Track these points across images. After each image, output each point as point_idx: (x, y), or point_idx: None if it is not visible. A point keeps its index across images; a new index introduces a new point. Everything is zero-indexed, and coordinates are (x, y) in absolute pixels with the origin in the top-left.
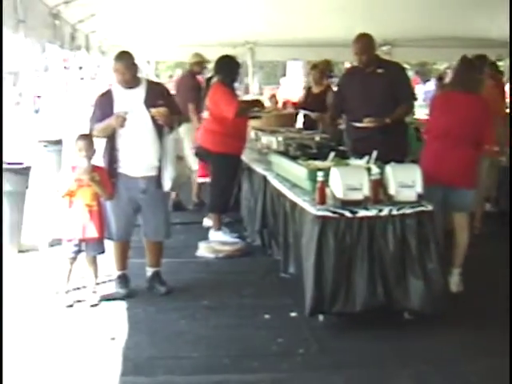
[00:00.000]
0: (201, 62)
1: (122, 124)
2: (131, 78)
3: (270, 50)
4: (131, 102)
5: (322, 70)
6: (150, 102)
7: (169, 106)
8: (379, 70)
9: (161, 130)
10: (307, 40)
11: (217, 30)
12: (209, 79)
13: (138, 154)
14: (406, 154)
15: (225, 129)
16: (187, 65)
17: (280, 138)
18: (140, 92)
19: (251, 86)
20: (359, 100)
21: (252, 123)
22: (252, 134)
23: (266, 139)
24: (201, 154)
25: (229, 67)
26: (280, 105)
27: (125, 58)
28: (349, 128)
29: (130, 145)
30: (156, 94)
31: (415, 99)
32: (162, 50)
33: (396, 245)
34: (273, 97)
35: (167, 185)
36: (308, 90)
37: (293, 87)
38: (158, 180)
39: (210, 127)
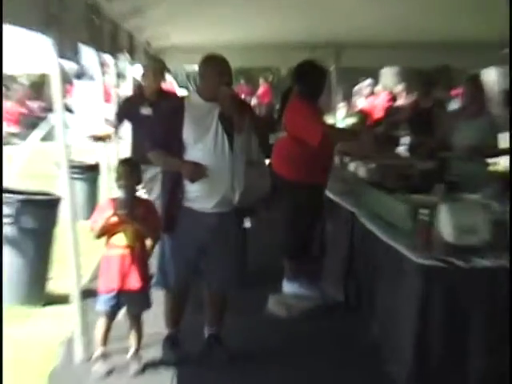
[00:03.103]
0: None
1: (195, 179)
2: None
3: (357, 53)
4: (206, 118)
5: (429, 79)
6: (227, 118)
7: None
8: None
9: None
10: (408, 41)
11: (289, 26)
12: (286, 92)
13: (211, 183)
14: None
15: (305, 152)
16: (253, 71)
17: (373, 165)
18: (216, 107)
19: (334, 101)
20: None
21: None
22: (336, 159)
23: (354, 166)
24: (273, 181)
25: (312, 77)
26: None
27: (224, 61)
28: None
29: None
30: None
31: None
32: (223, 53)
33: None
34: (362, 113)
35: (235, 197)
36: (414, 104)
37: (385, 100)
38: (231, 217)
39: (286, 150)
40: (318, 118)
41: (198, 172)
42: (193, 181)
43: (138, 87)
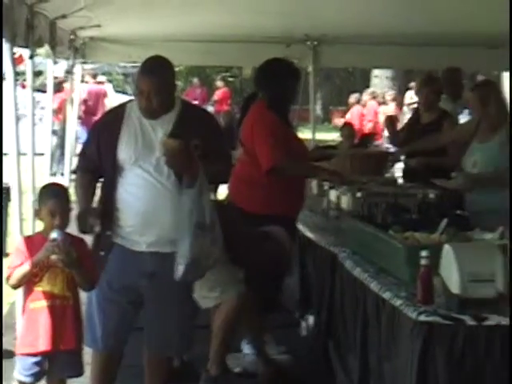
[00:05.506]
0: None
1: (80, 228)
2: (159, 107)
3: (343, 50)
4: (149, 135)
5: (438, 87)
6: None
7: (208, 147)
8: None
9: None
10: (407, 37)
11: (255, 13)
12: (249, 99)
13: (149, 217)
14: None
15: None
16: (210, 71)
17: (359, 194)
18: (167, 121)
19: (312, 109)
20: None
21: None
22: (314, 185)
23: (335, 194)
24: (231, 215)
25: (280, 80)
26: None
27: (157, 71)
28: None
29: (138, 202)
30: (192, 125)
31: None
32: (170, 49)
33: None
34: (347, 126)
35: (179, 270)
36: (414, 116)
37: (377, 111)
38: (174, 259)
39: (244, 173)
40: (281, 138)
41: (84, 219)
42: (79, 228)
43: None
